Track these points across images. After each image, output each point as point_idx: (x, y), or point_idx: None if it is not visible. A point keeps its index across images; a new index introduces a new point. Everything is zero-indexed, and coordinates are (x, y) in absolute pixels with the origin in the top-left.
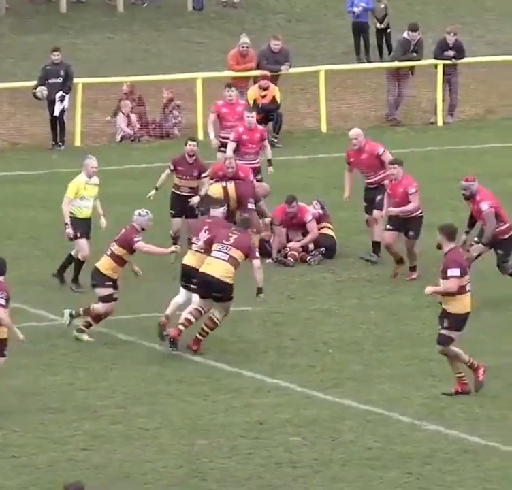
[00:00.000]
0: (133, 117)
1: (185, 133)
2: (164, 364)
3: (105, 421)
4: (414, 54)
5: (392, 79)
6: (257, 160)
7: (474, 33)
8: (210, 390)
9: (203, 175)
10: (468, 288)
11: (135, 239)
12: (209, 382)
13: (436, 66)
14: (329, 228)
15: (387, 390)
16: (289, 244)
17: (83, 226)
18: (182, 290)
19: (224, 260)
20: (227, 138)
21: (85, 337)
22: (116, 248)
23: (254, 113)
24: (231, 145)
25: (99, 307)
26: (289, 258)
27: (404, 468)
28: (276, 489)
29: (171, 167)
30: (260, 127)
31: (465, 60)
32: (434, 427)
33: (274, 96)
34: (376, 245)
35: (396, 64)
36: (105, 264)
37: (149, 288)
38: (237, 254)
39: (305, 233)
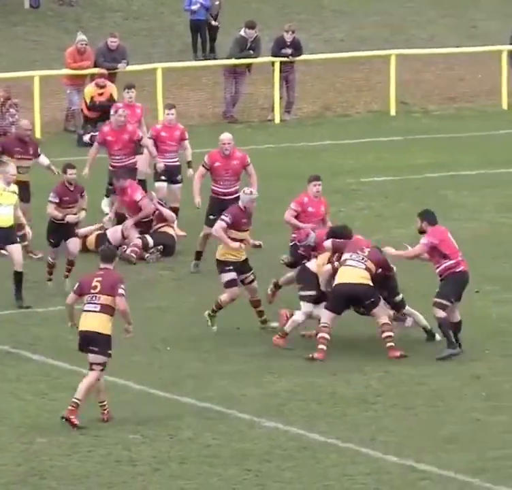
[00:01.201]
0: None
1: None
2: (3, 363)
3: None
4: (251, 52)
5: (229, 77)
6: (176, 159)
7: (311, 30)
8: (48, 388)
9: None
10: None
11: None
12: (47, 380)
13: (273, 63)
14: (170, 226)
15: (226, 387)
16: (126, 223)
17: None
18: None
19: (96, 312)
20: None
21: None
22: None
23: (173, 111)
24: (150, 142)
25: (224, 296)
26: (132, 253)
27: (243, 465)
28: (115, 487)
29: (56, 200)
30: (181, 126)
31: (302, 57)
32: (272, 423)
33: (111, 94)
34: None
35: (233, 61)
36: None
37: None
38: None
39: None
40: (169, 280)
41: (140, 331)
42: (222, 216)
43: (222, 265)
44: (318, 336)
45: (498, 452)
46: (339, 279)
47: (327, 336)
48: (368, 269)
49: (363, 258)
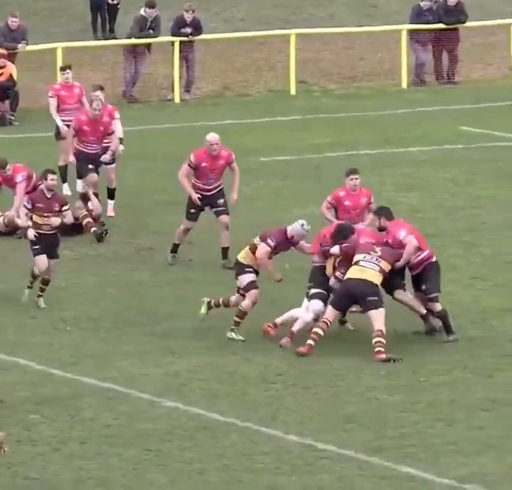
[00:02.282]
0: None
1: None
2: None
3: None
4: (151, 31)
5: (129, 57)
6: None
7: (211, 10)
8: None
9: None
10: None
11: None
12: None
13: (172, 43)
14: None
15: (126, 367)
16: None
17: None
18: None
19: None
20: (67, 121)
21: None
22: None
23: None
24: (70, 132)
25: (246, 302)
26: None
27: (144, 445)
28: (14, 467)
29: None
30: (106, 118)
31: (202, 37)
32: (173, 403)
33: (10, 74)
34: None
35: (133, 41)
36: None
37: None
38: None
39: None
40: (69, 260)
41: (41, 311)
42: (268, 240)
43: (243, 267)
44: (313, 330)
45: (396, 431)
46: (348, 275)
47: (320, 332)
48: (381, 270)
49: (377, 259)
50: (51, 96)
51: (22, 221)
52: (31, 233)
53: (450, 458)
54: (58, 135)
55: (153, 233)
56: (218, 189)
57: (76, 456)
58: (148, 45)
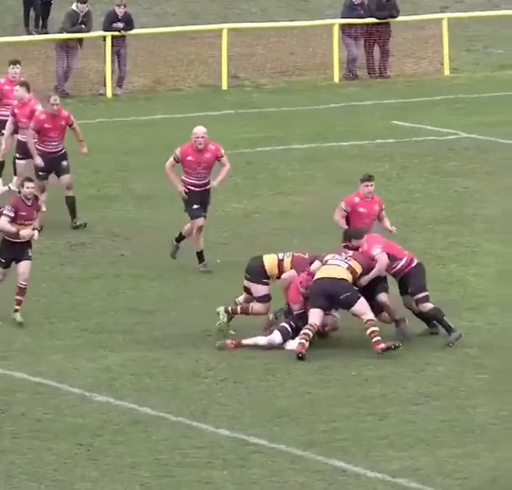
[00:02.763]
0: None
1: None
2: None
3: None
4: (83, 26)
5: (61, 52)
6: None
7: (143, 4)
8: None
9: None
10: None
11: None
12: None
13: (104, 38)
14: None
15: (58, 361)
16: None
17: None
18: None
19: None
20: (6, 116)
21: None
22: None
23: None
24: (30, 133)
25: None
26: None
27: (75, 439)
28: None
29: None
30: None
31: (133, 31)
32: (104, 398)
33: None
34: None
35: (65, 36)
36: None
37: None
38: None
39: None
40: None
41: None
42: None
43: (262, 275)
44: (302, 332)
45: (328, 426)
46: (318, 275)
47: (309, 332)
48: (350, 267)
49: (346, 258)
50: None
51: (8, 227)
52: (27, 233)
53: (382, 452)
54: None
55: (85, 228)
56: (209, 186)
57: (8, 451)
58: (80, 40)
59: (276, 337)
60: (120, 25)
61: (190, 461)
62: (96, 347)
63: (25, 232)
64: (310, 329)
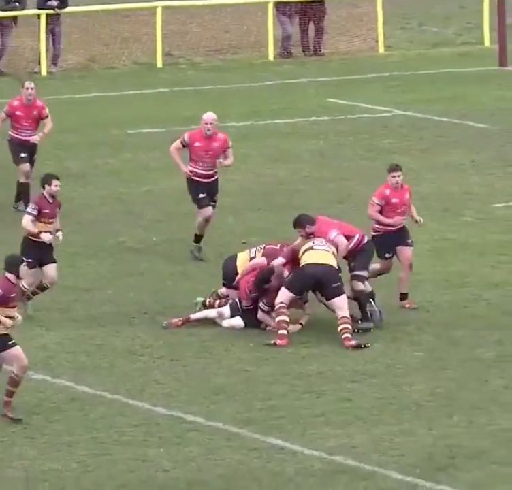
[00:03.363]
0: None
1: None
2: None
3: None
4: (17, 4)
5: None
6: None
7: None
8: None
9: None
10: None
11: None
12: None
13: (38, 16)
14: None
15: None
16: None
17: None
18: None
19: None
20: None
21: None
22: None
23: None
24: (1, 117)
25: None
26: None
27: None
28: None
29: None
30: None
31: (68, 9)
32: (40, 376)
33: None
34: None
35: None
36: None
37: None
38: None
39: None
40: None
41: None
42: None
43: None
44: (277, 319)
45: (265, 404)
46: (311, 260)
47: (286, 318)
48: (334, 253)
49: (326, 244)
50: None
51: (30, 226)
52: (48, 237)
53: (318, 430)
54: None
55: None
56: (215, 178)
57: None
58: (14, 18)
59: (226, 310)
60: (55, 3)
61: (127, 438)
62: (33, 325)
63: (47, 236)
64: (285, 313)
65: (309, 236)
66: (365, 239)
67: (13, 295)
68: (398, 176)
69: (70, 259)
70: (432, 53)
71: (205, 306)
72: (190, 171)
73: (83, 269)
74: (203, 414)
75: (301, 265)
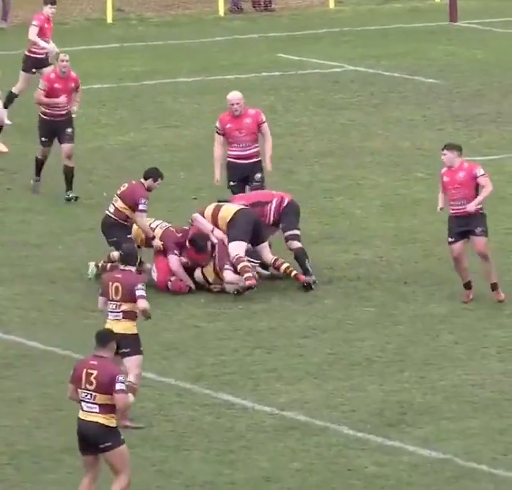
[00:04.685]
0: None
1: None
2: None
3: None
4: None
5: None
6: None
7: None
8: None
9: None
10: None
11: None
12: None
13: None
14: None
15: None
16: None
17: None
18: None
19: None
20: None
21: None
22: None
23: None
24: (38, 92)
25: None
26: None
27: None
28: None
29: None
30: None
31: None
32: None
33: None
34: None
35: None
36: None
37: None
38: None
39: None
40: None
41: None
42: None
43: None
44: (239, 267)
45: (216, 359)
46: (231, 209)
47: (248, 264)
48: None
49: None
50: (35, 25)
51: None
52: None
53: (270, 385)
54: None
55: None
56: (256, 159)
57: None
58: None
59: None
60: None
61: None
62: None
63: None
64: (244, 260)
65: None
66: (286, 201)
67: None
68: (443, 154)
69: (21, 215)
70: (383, 8)
71: (97, 268)
72: (229, 155)
73: (34, 225)
74: (154, 369)
75: (230, 217)
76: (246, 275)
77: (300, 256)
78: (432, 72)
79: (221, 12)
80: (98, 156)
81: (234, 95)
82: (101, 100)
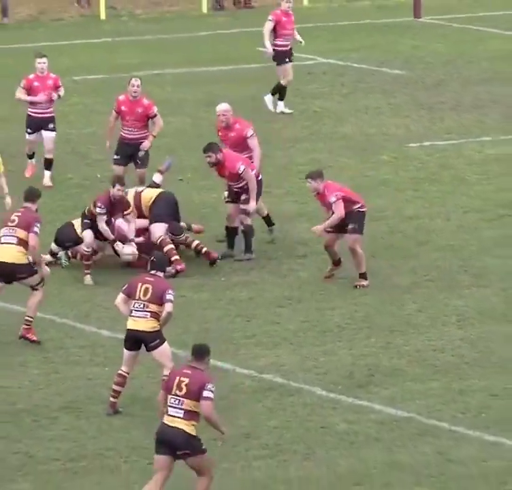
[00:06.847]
0: None
1: None
2: None
3: None
4: None
5: None
6: (50, 109)
7: None
8: None
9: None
10: None
11: None
12: None
13: None
14: None
15: None
16: None
17: None
18: None
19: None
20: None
21: None
22: None
23: (45, 59)
24: (112, 115)
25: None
26: None
27: None
28: None
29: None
30: (53, 75)
31: None
32: None
33: None
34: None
35: None
36: None
37: None
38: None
39: None
40: None
41: None
42: None
43: None
44: (166, 249)
45: (201, 327)
46: (152, 194)
47: (173, 245)
48: None
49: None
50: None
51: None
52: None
53: (249, 350)
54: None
55: None
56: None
57: None
58: None
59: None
60: None
61: (75, 358)
62: None
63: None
64: (169, 242)
65: (215, 164)
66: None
67: None
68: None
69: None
70: (352, 5)
71: (67, 256)
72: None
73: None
74: None
75: (151, 200)
76: (174, 257)
77: (249, 233)
78: (397, 64)
79: (204, 9)
80: (92, 140)
81: (220, 107)
82: (96, 90)
